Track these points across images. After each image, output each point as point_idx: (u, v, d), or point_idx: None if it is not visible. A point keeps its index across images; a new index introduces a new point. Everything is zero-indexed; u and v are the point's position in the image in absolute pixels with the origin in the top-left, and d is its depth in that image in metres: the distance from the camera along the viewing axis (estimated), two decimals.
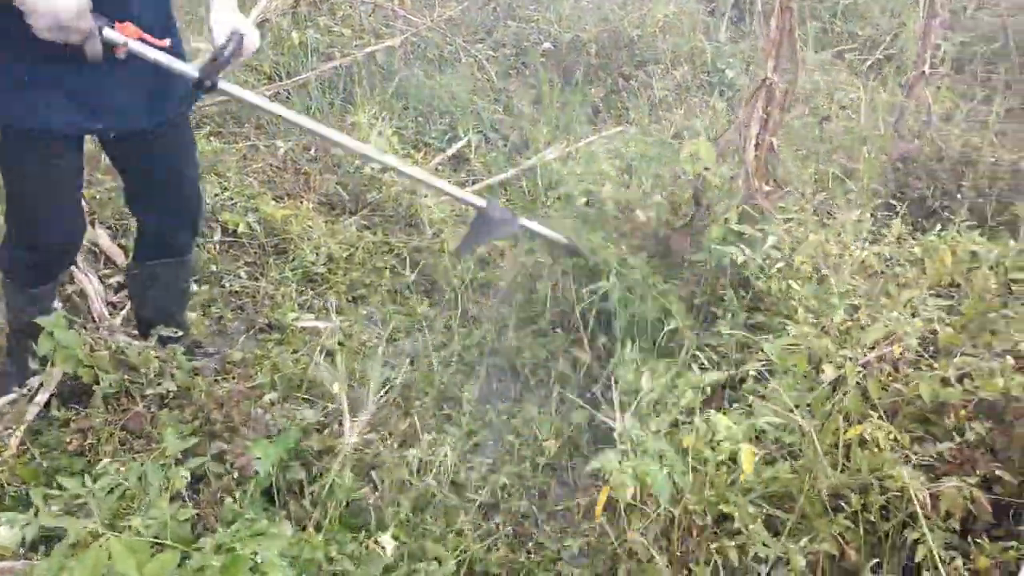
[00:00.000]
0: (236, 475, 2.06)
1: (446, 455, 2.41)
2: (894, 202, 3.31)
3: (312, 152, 4.03)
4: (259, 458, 2.02)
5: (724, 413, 2.14)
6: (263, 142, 4.14)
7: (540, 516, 2.34)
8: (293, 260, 3.36)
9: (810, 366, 2.27)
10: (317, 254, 3.35)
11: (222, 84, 2.11)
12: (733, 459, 2.03)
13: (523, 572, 2.16)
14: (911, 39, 4.33)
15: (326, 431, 2.41)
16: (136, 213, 2.51)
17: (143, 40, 1.99)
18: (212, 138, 3.98)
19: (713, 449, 2.01)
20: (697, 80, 4.80)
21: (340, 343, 2.85)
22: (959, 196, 3.02)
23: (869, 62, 4.60)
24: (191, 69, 2.06)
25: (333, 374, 2.56)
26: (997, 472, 2.06)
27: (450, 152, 4.08)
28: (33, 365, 2.38)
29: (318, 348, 2.77)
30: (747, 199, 2.83)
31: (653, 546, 1.95)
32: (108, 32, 1.92)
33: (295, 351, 2.77)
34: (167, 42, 2.06)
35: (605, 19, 5.22)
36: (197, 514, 1.98)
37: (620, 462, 1.93)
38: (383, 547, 1.88)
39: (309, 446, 2.26)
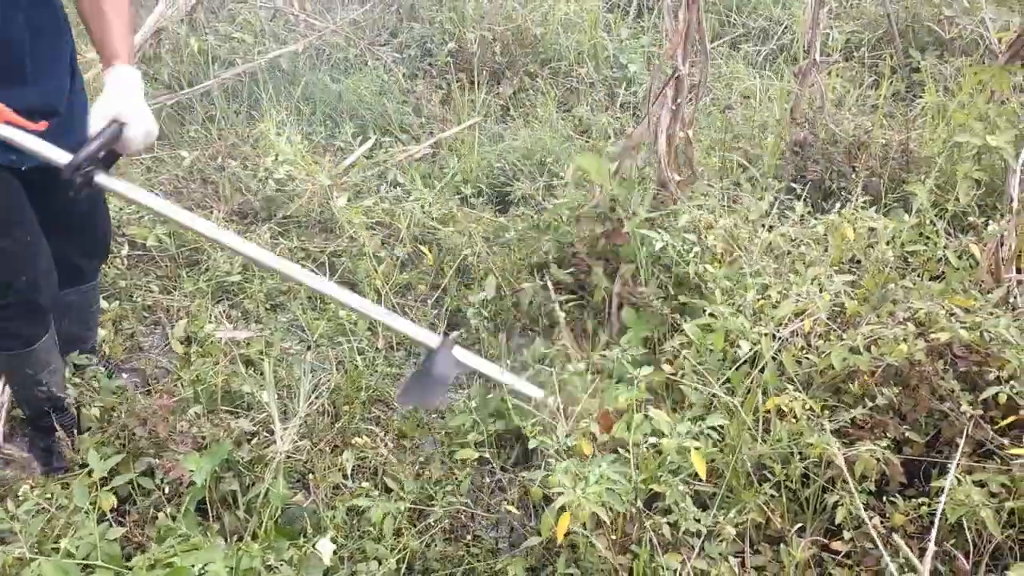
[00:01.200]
0: (167, 490, 2.01)
1: (378, 456, 2.42)
2: (795, 185, 3.46)
3: (219, 161, 3.94)
4: (193, 471, 1.98)
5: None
6: (167, 153, 4.04)
7: (475, 509, 2.36)
8: (207, 271, 3.29)
9: (727, 344, 2.36)
10: (231, 264, 3.28)
11: (100, 178, 1.88)
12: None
13: (462, 565, 2.18)
14: (801, 29, 4.51)
15: (254, 441, 2.38)
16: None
17: (11, 123, 1.83)
18: None
19: (658, 451, 2.05)
20: (601, 76, 4.89)
21: (262, 352, 2.81)
22: (854, 176, 3.17)
23: (763, 52, 4.78)
24: (61, 157, 1.85)
25: (261, 383, 2.54)
26: (906, 434, 2.19)
27: (358, 153, 4.05)
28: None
29: (240, 358, 2.73)
30: (660, 189, 2.92)
31: (593, 534, 1.99)
32: None
33: (216, 363, 2.72)
34: (43, 124, 1.89)
35: (508, 17, 5.26)
36: (125, 535, 1.94)
37: (574, 487, 1.88)
38: (321, 552, 1.87)
39: (240, 456, 2.23)
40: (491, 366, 2.26)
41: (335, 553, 1.93)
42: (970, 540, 1.96)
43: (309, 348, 2.91)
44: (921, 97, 4.00)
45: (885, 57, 4.48)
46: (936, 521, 1.87)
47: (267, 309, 3.15)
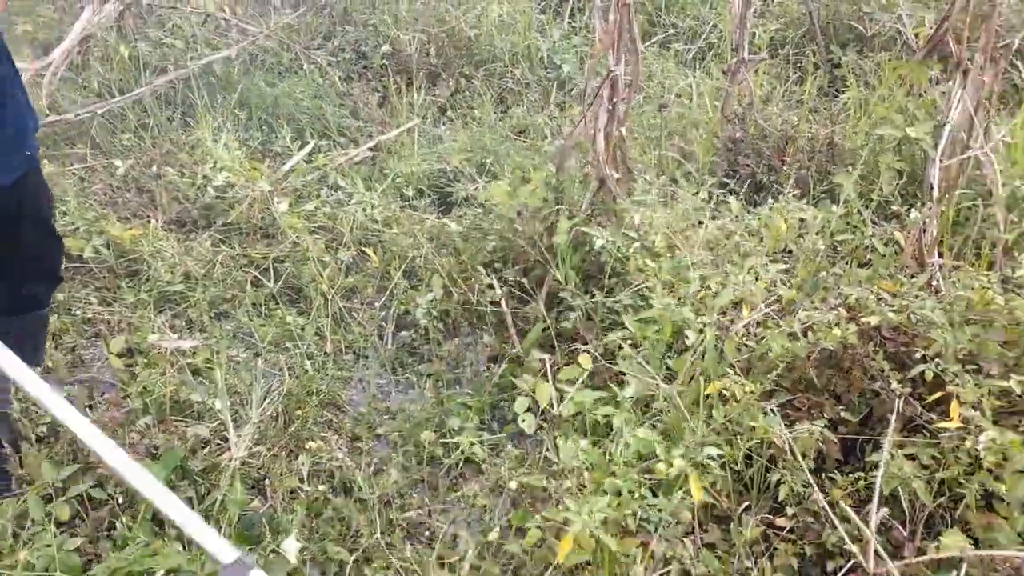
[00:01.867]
0: (121, 500, 2.00)
1: (333, 459, 2.43)
2: (728, 180, 3.58)
3: (154, 170, 3.89)
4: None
5: None
6: (100, 162, 3.97)
7: (432, 506, 2.39)
8: (147, 281, 3.25)
9: (668, 334, 2.45)
10: (173, 273, 3.25)
11: None
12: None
13: (421, 562, 2.20)
14: (728, 28, 4.64)
15: (206, 449, 2.37)
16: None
17: None
18: (44, 161, 3.77)
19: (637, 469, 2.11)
20: (536, 76, 4.96)
21: (209, 361, 2.80)
22: (785, 170, 3.30)
23: (693, 51, 4.91)
24: None
25: (211, 391, 2.53)
26: (841, 414, 2.30)
27: (297, 158, 4.04)
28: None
29: (188, 368, 2.72)
30: (600, 187, 2.99)
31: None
32: None
33: (163, 373, 2.69)
34: None
35: (442, 20, 5.29)
36: (77, 549, 1.92)
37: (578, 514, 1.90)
38: (287, 552, 1.89)
39: (194, 465, 2.22)
40: None
41: (300, 553, 1.94)
42: (905, 511, 2.07)
43: (258, 355, 2.90)
44: (844, 92, 4.17)
45: (808, 54, 4.64)
46: (876, 493, 1.98)
47: (211, 317, 3.13)
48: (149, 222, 3.53)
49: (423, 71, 4.97)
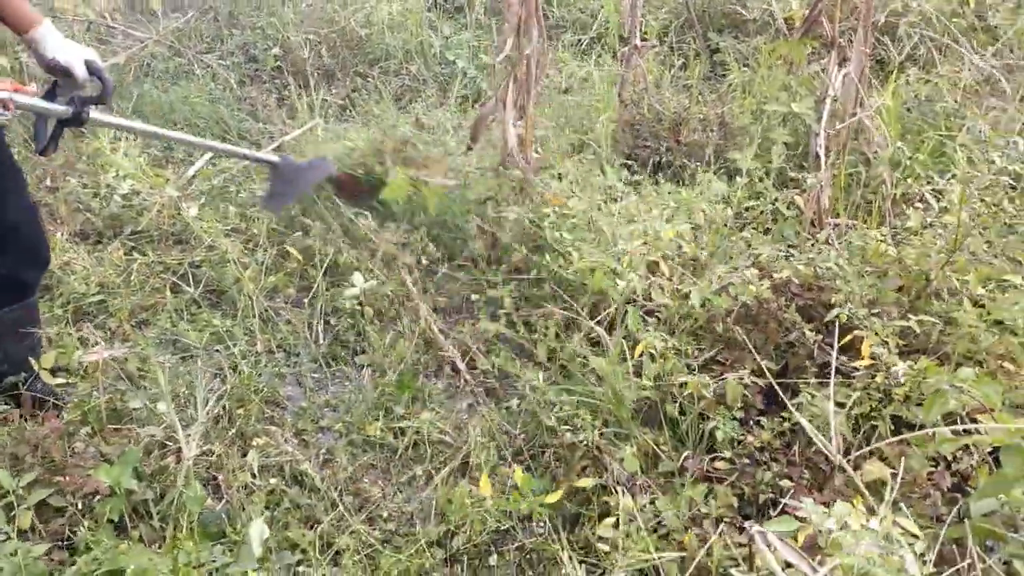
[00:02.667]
0: (80, 505, 1.98)
1: (282, 453, 2.46)
2: (629, 161, 3.77)
3: (49, 183, 3.76)
4: (106, 481, 1.97)
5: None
6: None
7: (386, 489, 2.45)
8: (60, 296, 3.16)
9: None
10: (87, 285, 3.17)
11: (94, 115, 2.28)
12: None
13: (374, 548, 2.26)
14: (613, 19, 4.85)
15: (153, 453, 2.36)
16: None
17: (19, 91, 2.12)
18: None
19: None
20: (432, 72, 5.04)
21: (141, 368, 2.77)
22: (685, 149, 3.50)
23: (585, 41, 5.09)
24: (62, 109, 2.22)
25: (152, 396, 2.52)
26: (763, 364, 2.49)
27: (200, 163, 3.98)
28: None
29: (121, 374, 2.68)
30: (512, 169, 3.12)
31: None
32: None
33: (94, 385, 2.64)
34: (33, 87, 2.19)
35: (331, 20, 5.30)
36: (44, 555, 1.90)
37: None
38: (253, 537, 1.91)
39: (145, 468, 2.21)
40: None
41: (264, 541, 1.97)
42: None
43: (193, 357, 2.88)
44: (724, 75, 4.43)
45: (689, 41, 4.90)
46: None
47: (132, 326, 3.07)
48: (54, 236, 3.42)
49: (318, 71, 4.97)
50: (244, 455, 2.44)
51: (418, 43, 5.19)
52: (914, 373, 1.99)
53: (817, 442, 1.82)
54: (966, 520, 1.71)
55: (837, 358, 2.36)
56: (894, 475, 2.03)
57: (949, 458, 2.06)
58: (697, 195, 3.03)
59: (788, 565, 1.41)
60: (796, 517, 1.64)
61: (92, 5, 4.73)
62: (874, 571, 1.26)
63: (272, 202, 3.21)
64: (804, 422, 1.90)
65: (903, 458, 2.04)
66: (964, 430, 1.75)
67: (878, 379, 2.18)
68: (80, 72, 2.20)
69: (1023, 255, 2.52)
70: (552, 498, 2.19)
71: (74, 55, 2.20)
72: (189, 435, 2.25)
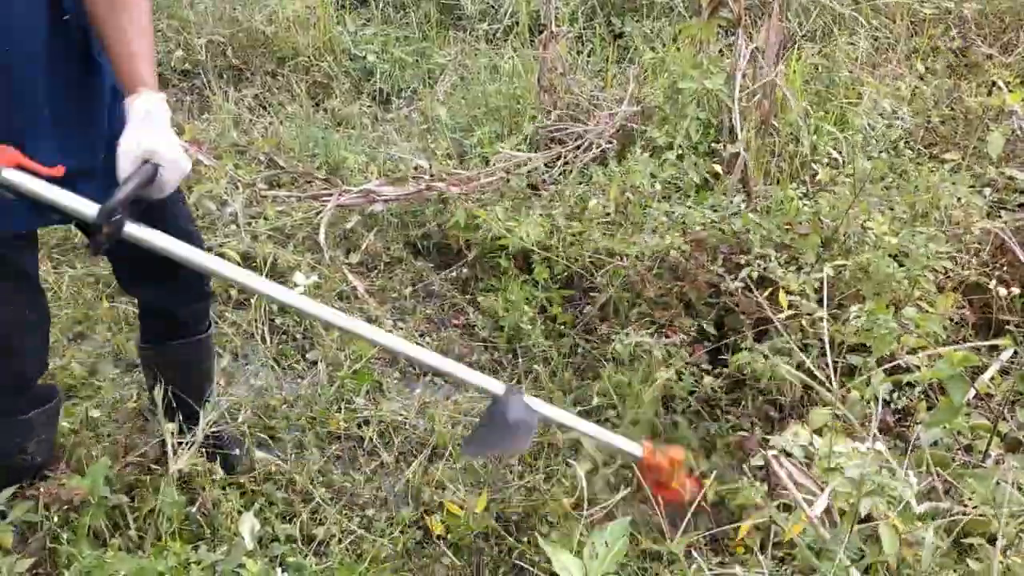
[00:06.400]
0: (56, 519, 1.96)
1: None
2: (552, 145, 3.88)
3: None
4: (84, 486, 1.96)
5: None
6: None
7: (358, 477, 2.50)
8: None
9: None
10: None
11: (129, 228, 1.57)
12: None
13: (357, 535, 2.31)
14: (523, 9, 4.97)
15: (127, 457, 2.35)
16: (131, 291, 2.29)
17: (23, 168, 1.52)
18: None
19: None
20: (343, 68, 5.02)
21: (84, 379, 2.74)
22: (606, 130, 3.63)
23: (498, 31, 5.17)
24: (88, 208, 1.55)
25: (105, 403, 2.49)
26: (703, 326, 2.65)
27: None
28: None
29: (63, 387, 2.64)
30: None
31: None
32: None
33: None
34: (60, 169, 1.58)
35: (235, 20, 5.22)
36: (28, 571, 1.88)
37: None
38: (244, 530, 1.94)
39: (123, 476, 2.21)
40: (577, 419, 2.04)
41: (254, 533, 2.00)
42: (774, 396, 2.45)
43: (136, 368, 2.84)
44: (633, 60, 4.59)
45: (595, 26, 5.05)
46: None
47: (69, 340, 3.01)
48: None
49: (224, 72, 4.91)
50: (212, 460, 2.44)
51: (327, 39, 5.16)
52: (867, 312, 2.14)
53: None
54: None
55: (763, 310, 2.53)
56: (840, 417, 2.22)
57: (887, 399, 2.24)
58: (625, 171, 3.17)
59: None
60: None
61: None
62: (882, 481, 1.41)
63: (471, 448, 2.28)
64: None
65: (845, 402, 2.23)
66: (904, 367, 1.93)
67: (813, 326, 2.36)
68: (121, 168, 1.57)
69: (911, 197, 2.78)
70: None
71: (129, 145, 1.57)
72: (180, 443, 2.22)
